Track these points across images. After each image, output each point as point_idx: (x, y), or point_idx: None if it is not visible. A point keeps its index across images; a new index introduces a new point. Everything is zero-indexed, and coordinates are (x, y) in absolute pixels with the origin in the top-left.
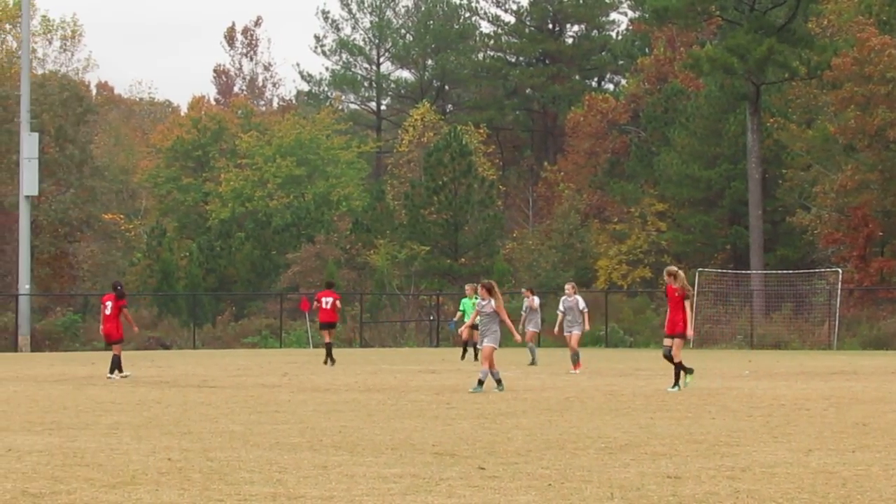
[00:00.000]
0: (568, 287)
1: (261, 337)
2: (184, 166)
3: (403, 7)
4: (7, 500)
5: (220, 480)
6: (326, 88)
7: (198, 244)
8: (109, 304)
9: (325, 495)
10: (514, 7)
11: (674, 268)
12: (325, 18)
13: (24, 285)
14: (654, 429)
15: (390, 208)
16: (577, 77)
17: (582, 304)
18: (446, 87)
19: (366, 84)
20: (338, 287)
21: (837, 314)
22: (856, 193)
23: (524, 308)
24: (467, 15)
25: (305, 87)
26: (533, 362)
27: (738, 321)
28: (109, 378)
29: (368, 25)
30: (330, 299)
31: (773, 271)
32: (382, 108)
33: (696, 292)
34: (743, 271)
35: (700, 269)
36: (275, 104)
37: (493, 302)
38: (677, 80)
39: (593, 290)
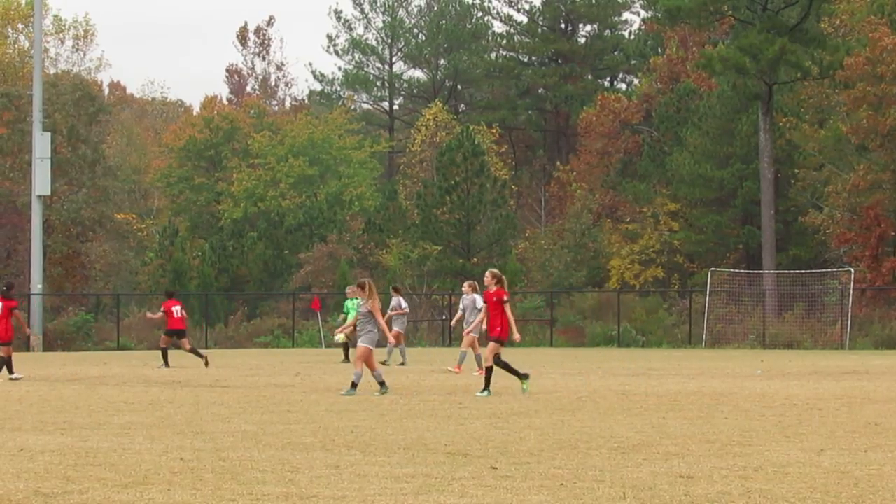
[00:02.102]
0: (465, 286)
1: (273, 337)
2: (196, 166)
3: (416, 7)
4: (20, 500)
5: (233, 480)
6: (339, 88)
7: (210, 244)
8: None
9: (338, 495)
10: (527, 7)
11: (497, 270)
12: (338, 18)
13: (37, 285)
14: (666, 428)
15: (403, 208)
16: (589, 77)
17: (480, 304)
18: (459, 87)
19: (378, 84)
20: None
21: (850, 314)
22: (868, 193)
23: (390, 307)
24: (480, 14)
25: (318, 86)
26: (403, 363)
27: (751, 321)
28: None
29: (381, 25)
30: (178, 307)
31: (786, 271)
32: (395, 107)
33: (708, 292)
34: (755, 271)
35: (712, 268)
36: (287, 104)
37: (368, 301)
38: (690, 79)
39: (606, 290)
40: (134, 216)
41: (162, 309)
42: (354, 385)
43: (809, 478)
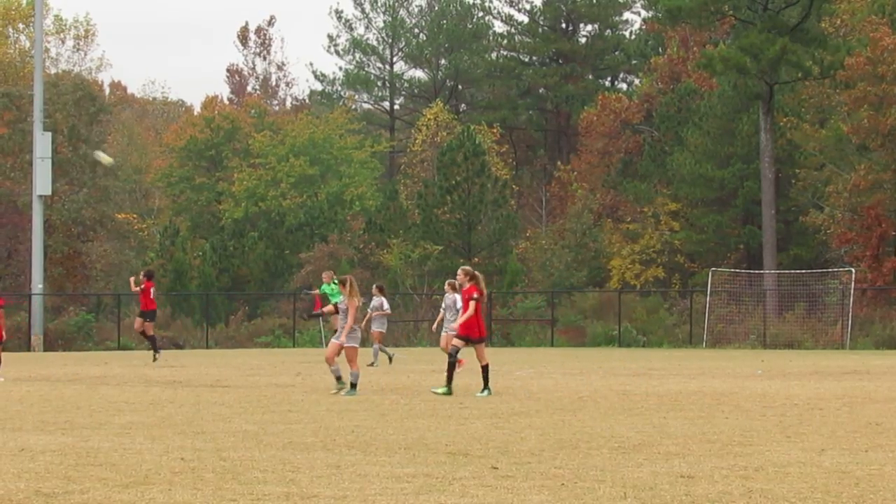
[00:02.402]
0: (447, 285)
1: (274, 336)
2: (197, 166)
3: (417, 6)
4: (20, 500)
5: (233, 480)
6: (340, 88)
7: (211, 244)
8: None
9: (339, 495)
10: (528, 7)
11: (469, 267)
12: (339, 18)
13: (37, 285)
14: (667, 428)
15: (403, 208)
16: (590, 77)
17: (460, 303)
18: (459, 87)
19: (379, 83)
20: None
21: (850, 314)
22: (869, 193)
23: (371, 307)
24: (480, 14)
25: (319, 86)
26: (373, 364)
27: (751, 321)
28: None
29: (382, 25)
30: (152, 288)
31: (787, 271)
32: (396, 107)
33: (709, 292)
34: (756, 271)
35: (713, 268)
36: (288, 104)
37: (346, 299)
38: (690, 79)
39: (606, 290)
40: (135, 216)
41: (142, 286)
42: (353, 385)
43: (810, 478)
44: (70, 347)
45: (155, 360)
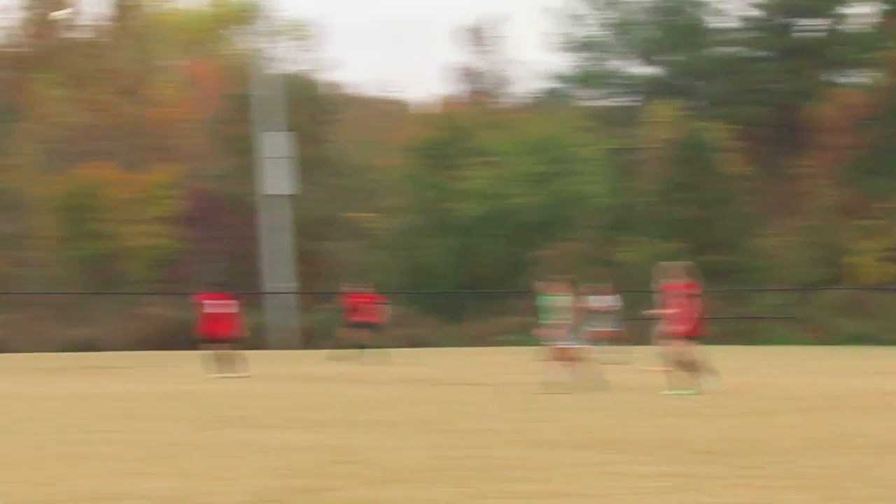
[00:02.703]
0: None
1: (516, 336)
2: (430, 164)
3: (647, 2)
4: (273, 497)
5: (483, 478)
6: (569, 85)
7: (448, 242)
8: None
9: (588, 493)
10: (756, 1)
11: (682, 263)
12: (568, 15)
13: (283, 283)
14: None
15: (638, 205)
16: (820, 71)
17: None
18: (690, 83)
19: (609, 81)
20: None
21: None
22: None
23: (597, 304)
24: (709, 10)
25: (548, 84)
26: (617, 363)
27: None
28: None
29: (610, 21)
30: (375, 300)
31: None
32: (626, 104)
33: None
34: None
35: None
36: (518, 102)
37: (570, 298)
38: None
39: (852, 287)
40: (370, 215)
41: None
42: (579, 384)
43: None
44: (317, 346)
45: (353, 356)
